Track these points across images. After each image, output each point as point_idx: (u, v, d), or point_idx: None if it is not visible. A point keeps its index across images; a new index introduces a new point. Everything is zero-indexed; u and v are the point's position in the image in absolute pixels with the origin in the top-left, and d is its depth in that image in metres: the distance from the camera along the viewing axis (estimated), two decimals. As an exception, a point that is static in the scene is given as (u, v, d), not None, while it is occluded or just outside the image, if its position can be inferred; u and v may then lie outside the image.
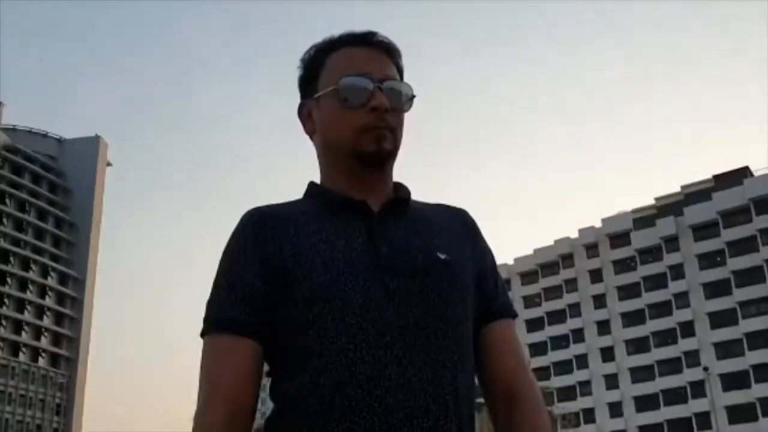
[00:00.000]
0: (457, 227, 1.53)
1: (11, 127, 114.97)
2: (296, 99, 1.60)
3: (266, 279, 1.37)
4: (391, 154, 1.48)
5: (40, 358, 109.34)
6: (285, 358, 1.35)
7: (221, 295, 1.39)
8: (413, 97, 1.51)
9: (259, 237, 1.40)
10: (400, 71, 1.55)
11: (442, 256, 1.41)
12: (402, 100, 1.49)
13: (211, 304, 1.40)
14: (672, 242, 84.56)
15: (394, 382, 1.27)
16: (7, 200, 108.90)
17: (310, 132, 1.56)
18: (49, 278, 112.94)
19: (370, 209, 1.44)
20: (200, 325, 1.41)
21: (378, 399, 1.26)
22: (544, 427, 1.42)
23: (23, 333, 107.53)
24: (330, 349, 1.29)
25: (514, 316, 1.54)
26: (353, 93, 1.46)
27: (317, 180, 1.56)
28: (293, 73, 1.60)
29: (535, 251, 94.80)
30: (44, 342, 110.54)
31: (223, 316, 1.36)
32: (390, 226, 1.43)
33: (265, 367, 1.41)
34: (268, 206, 1.48)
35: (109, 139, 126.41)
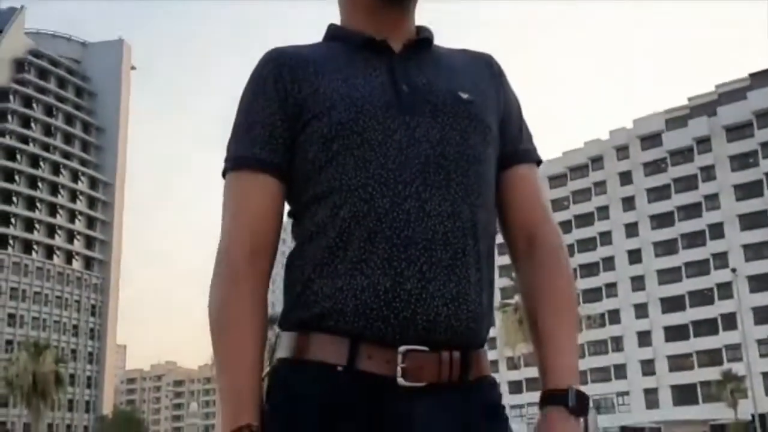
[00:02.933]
0: (482, 70, 1.49)
1: (34, 31, 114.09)
2: None
3: (285, 117, 1.36)
4: None
5: (74, 261, 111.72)
6: (305, 195, 1.35)
7: (241, 134, 1.39)
8: None
9: (278, 75, 1.39)
10: None
11: (465, 96, 1.39)
12: None
13: (231, 144, 1.40)
14: (704, 143, 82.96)
15: (413, 215, 1.27)
16: (34, 105, 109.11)
17: None
18: (79, 182, 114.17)
19: (390, 48, 1.41)
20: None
21: (397, 231, 1.26)
22: (565, 270, 1.42)
23: (57, 236, 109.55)
24: (349, 184, 1.29)
25: (539, 162, 1.51)
26: None
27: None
28: None
29: (564, 154, 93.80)
30: (77, 245, 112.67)
31: (243, 154, 1.37)
32: (411, 66, 1.40)
33: (286, 208, 1.42)
34: (287, 46, 1.46)
35: (132, 43, 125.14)
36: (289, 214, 1.42)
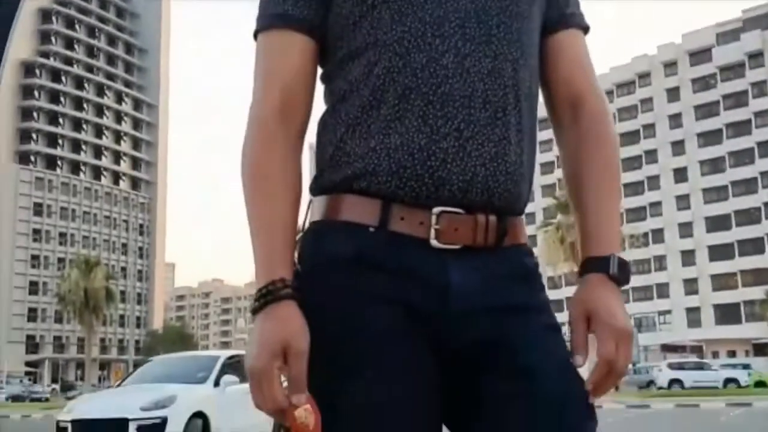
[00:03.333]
0: None
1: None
2: None
3: None
4: None
5: (120, 182, 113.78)
6: (338, 53, 1.28)
7: None
8: None
9: None
10: None
11: None
12: None
13: (263, 2, 1.33)
14: (756, 58, 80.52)
15: (451, 71, 1.20)
16: (77, 26, 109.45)
17: None
18: (123, 104, 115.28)
19: None
20: None
21: (433, 87, 1.20)
22: (610, 138, 1.36)
23: (103, 158, 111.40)
24: (384, 39, 1.22)
25: (586, 28, 1.42)
26: None
27: None
28: None
29: (611, 69, 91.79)
30: (124, 166, 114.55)
31: (275, 12, 1.29)
32: None
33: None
34: None
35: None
36: (322, 78, 1.33)
